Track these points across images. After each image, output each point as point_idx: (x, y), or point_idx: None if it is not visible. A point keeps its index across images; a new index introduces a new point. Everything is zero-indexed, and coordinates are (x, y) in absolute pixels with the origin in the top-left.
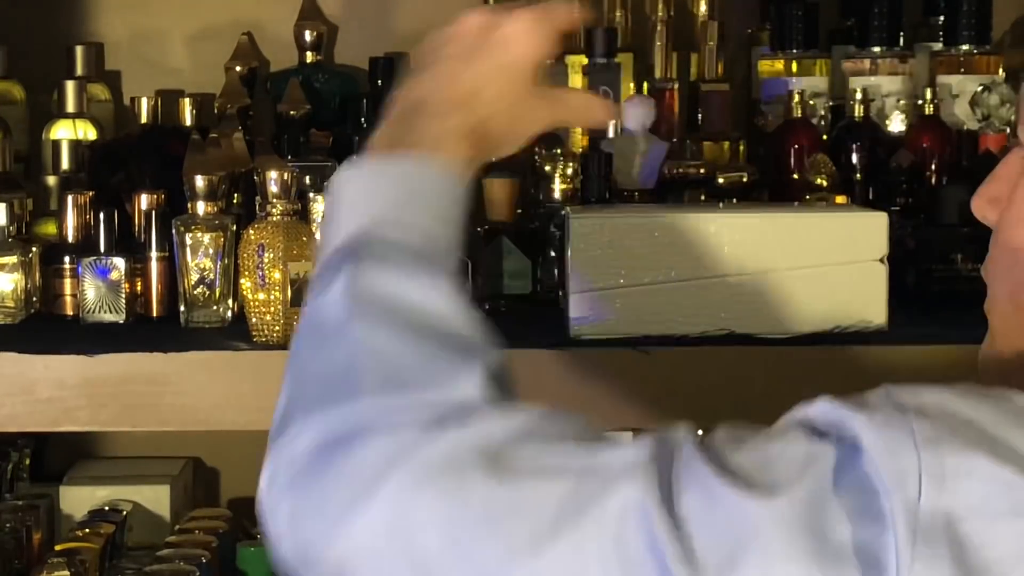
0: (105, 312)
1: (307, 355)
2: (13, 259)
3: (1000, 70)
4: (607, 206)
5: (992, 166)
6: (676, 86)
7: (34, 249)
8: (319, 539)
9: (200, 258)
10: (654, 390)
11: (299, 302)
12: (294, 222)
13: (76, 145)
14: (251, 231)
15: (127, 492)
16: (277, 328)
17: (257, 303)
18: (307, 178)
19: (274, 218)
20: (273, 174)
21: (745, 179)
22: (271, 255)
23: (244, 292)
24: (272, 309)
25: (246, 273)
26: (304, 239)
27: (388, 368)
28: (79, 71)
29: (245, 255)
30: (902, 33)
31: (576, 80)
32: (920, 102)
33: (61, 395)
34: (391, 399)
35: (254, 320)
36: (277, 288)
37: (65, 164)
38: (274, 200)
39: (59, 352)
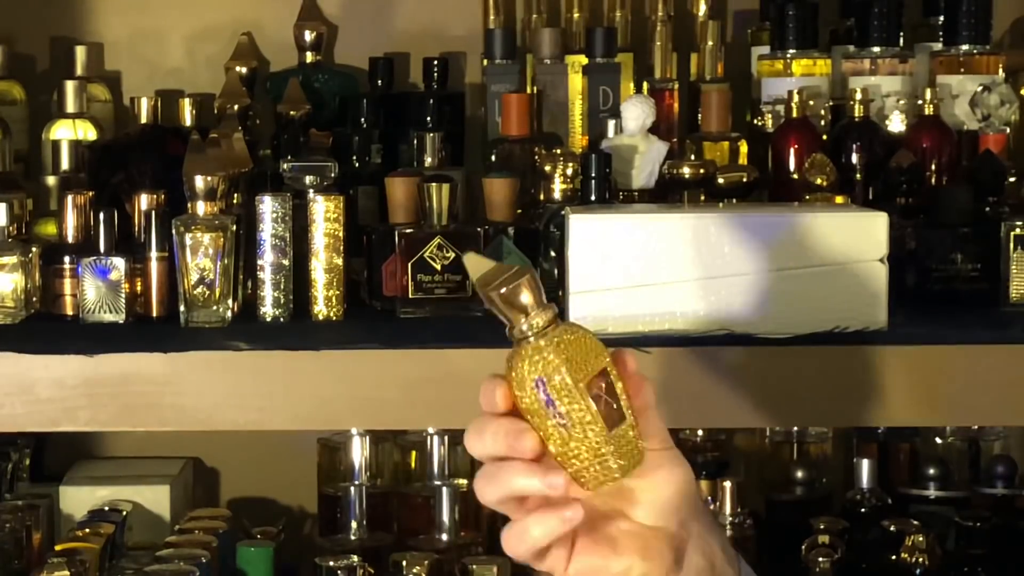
0: (105, 312)
1: None
2: (13, 259)
3: (1000, 70)
4: (607, 206)
5: (992, 166)
6: (676, 86)
7: (34, 249)
8: None
9: (200, 258)
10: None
11: (618, 417)
12: (567, 330)
13: (76, 145)
14: (521, 366)
15: (127, 492)
16: (610, 462)
17: (570, 453)
18: (307, 178)
19: (538, 340)
20: (520, 288)
21: (745, 179)
22: (558, 383)
23: (554, 451)
24: (591, 448)
25: (535, 420)
26: (583, 342)
27: None
28: (79, 71)
29: (525, 397)
30: (902, 33)
31: (576, 80)
32: (920, 102)
33: (61, 395)
34: None
35: (586, 474)
36: (585, 422)
37: (65, 164)
38: (528, 313)
39: (59, 352)
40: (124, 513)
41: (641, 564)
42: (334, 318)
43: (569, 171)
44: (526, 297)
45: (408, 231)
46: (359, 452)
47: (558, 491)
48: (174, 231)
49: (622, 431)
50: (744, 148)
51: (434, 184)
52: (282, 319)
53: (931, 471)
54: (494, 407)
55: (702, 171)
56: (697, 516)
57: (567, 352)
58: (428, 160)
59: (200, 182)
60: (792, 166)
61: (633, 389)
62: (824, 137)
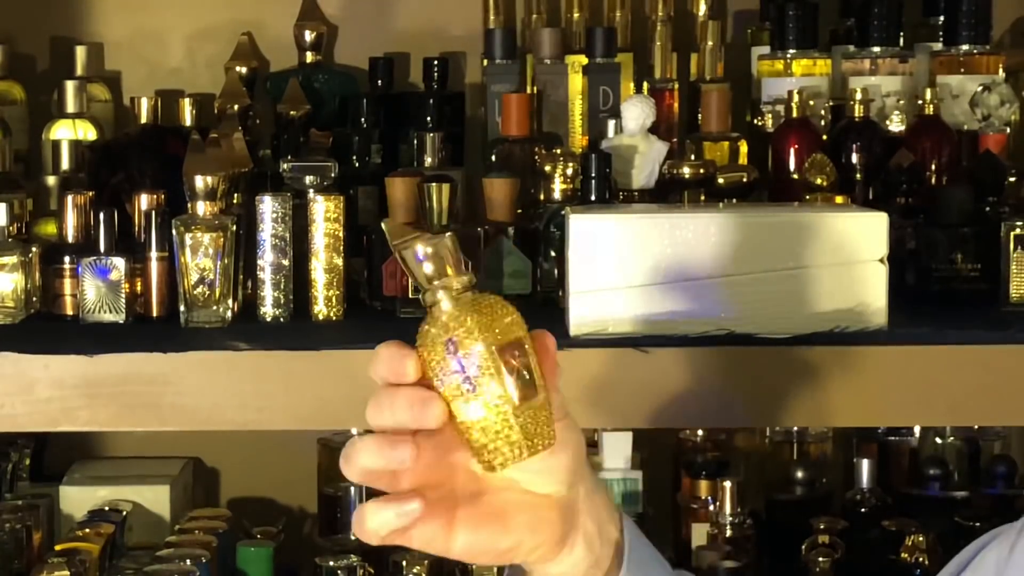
0: (105, 312)
1: None
2: (13, 259)
3: (1000, 70)
4: (607, 206)
5: (992, 166)
6: (676, 86)
7: (34, 249)
8: None
9: (200, 258)
10: (654, 390)
11: (530, 393)
12: (485, 297)
13: (76, 145)
14: (433, 329)
15: (127, 492)
16: (515, 438)
17: (477, 425)
18: (307, 178)
19: (455, 302)
20: (440, 248)
21: (745, 179)
22: (470, 347)
23: (459, 420)
24: (499, 421)
25: (442, 389)
26: (499, 310)
27: None
28: (79, 71)
29: (433, 361)
30: (902, 33)
31: (576, 80)
32: (920, 102)
33: (61, 395)
34: None
35: (491, 448)
36: (493, 391)
37: (65, 164)
38: (446, 275)
39: (59, 352)
40: (124, 513)
41: (531, 538)
42: (334, 318)
43: (569, 171)
44: (445, 258)
45: None
46: None
47: (402, 465)
48: (174, 231)
49: (534, 406)
50: (744, 148)
51: (434, 184)
52: (282, 319)
53: (931, 471)
54: (401, 376)
55: (702, 171)
56: (583, 478)
57: (483, 317)
58: (428, 160)
59: (200, 182)
60: (792, 166)
61: (548, 370)
62: (824, 137)
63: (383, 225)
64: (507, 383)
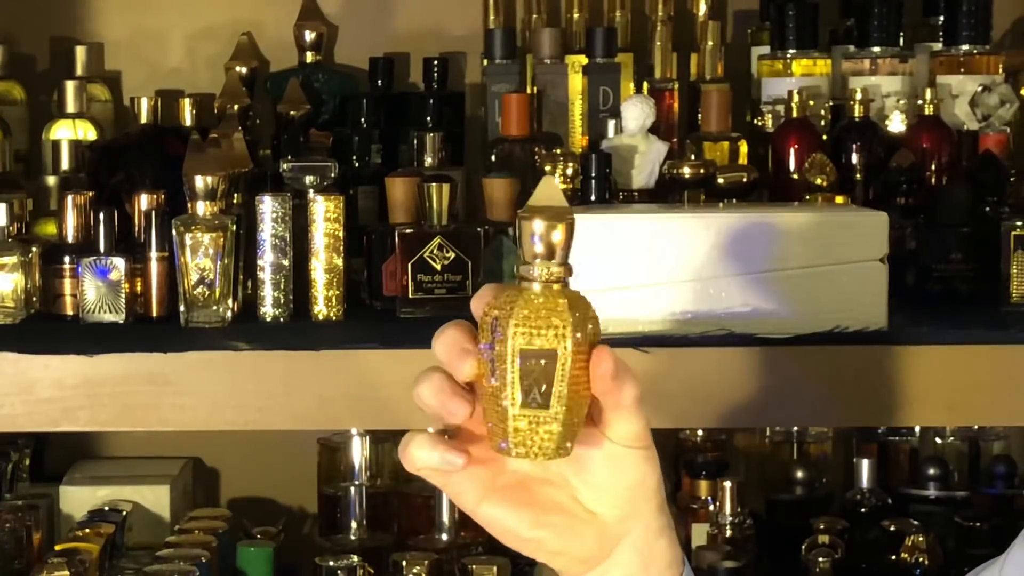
0: (105, 312)
1: None
2: (13, 259)
3: (1000, 70)
4: (607, 206)
5: (992, 166)
6: (676, 86)
7: (34, 249)
8: None
9: (200, 258)
10: (654, 390)
11: (538, 404)
12: (559, 292)
13: (76, 145)
14: (498, 295)
15: (127, 492)
16: (510, 435)
17: (486, 406)
18: (307, 178)
19: (526, 286)
20: (552, 228)
21: (745, 179)
22: (504, 331)
23: (482, 387)
24: (499, 412)
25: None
26: (554, 316)
27: None
28: (79, 71)
29: (483, 325)
30: (902, 33)
31: (576, 80)
32: (920, 102)
33: (61, 395)
34: None
35: (491, 427)
36: (505, 377)
37: (65, 164)
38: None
39: (59, 352)
40: (124, 513)
41: (556, 542)
42: (334, 318)
43: (569, 171)
44: (553, 242)
45: (408, 231)
46: (359, 452)
47: (456, 418)
48: (174, 231)
49: (539, 416)
50: (744, 148)
51: (434, 184)
52: (282, 319)
53: (931, 471)
54: (455, 371)
55: (702, 171)
56: (643, 517)
57: (531, 314)
58: (428, 160)
59: (200, 182)
60: (792, 166)
61: (598, 390)
62: (824, 137)
63: (543, 182)
64: (516, 383)
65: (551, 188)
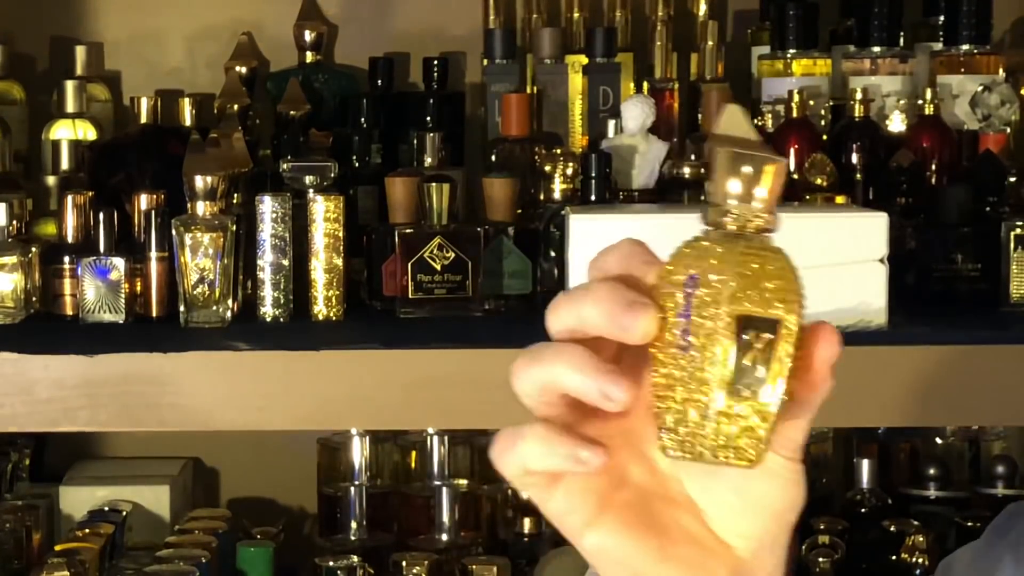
0: (105, 312)
1: None
2: (13, 259)
3: (1000, 70)
4: (607, 206)
5: (992, 166)
6: (676, 86)
7: (34, 249)
8: None
9: (200, 258)
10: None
11: (749, 394)
12: (773, 251)
13: (76, 145)
14: (686, 251)
15: (127, 492)
16: (696, 429)
17: (668, 388)
18: (307, 178)
19: (733, 235)
20: (762, 168)
21: None
22: (709, 292)
23: (654, 367)
24: (689, 400)
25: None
26: (775, 274)
27: None
28: (79, 71)
29: (666, 286)
30: (902, 33)
31: (576, 80)
32: (920, 102)
33: (61, 395)
34: None
35: (664, 419)
36: (707, 358)
37: (65, 164)
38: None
39: (59, 352)
40: (124, 513)
41: None
42: (334, 318)
43: (569, 171)
44: (763, 185)
45: (408, 231)
46: (359, 452)
47: (614, 404)
48: (174, 231)
49: (743, 409)
50: None
51: (434, 184)
52: (282, 319)
53: (931, 471)
54: (628, 266)
55: (702, 171)
56: (777, 553)
57: (750, 271)
58: (428, 160)
59: (200, 182)
60: (792, 166)
61: (804, 383)
62: (824, 137)
63: (728, 111)
64: (726, 363)
65: (739, 118)
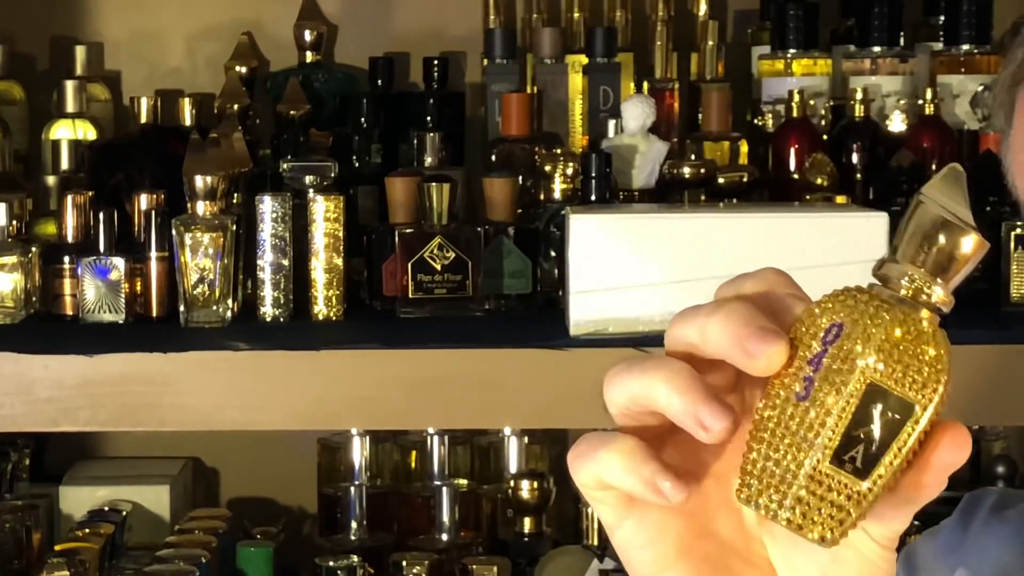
0: (105, 312)
1: None
2: (13, 259)
3: (1000, 70)
4: (607, 206)
5: (992, 166)
6: (676, 86)
7: (34, 249)
8: None
9: (200, 258)
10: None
11: (851, 467)
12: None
13: (76, 145)
14: (839, 301)
15: (127, 492)
16: (780, 487)
17: (771, 437)
18: (307, 178)
19: (901, 301)
20: (955, 242)
21: (745, 179)
22: (850, 348)
23: (759, 410)
24: (784, 454)
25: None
26: (927, 360)
27: None
28: (79, 71)
29: (803, 329)
30: (902, 33)
31: (576, 80)
32: (920, 102)
33: (61, 395)
34: None
35: (749, 471)
36: (823, 416)
37: (65, 164)
38: (926, 268)
39: (59, 352)
40: (124, 513)
41: None
42: (334, 318)
43: (569, 171)
44: (955, 256)
45: (408, 231)
46: (359, 452)
47: (708, 435)
48: (174, 231)
49: (836, 482)
50: (744, 148)
51: (434, 184)
52: (282, 319)
53: None
54: (768, 294)
55: (702, 171)
56: None
57: (898, 344)
58: (428, 160)
59: (200, 182)
60: (792, 166)
61: (917, 481)
62: (824, 137)
63: (948, 170)
64: (838, 428)
65: (958, 182)
